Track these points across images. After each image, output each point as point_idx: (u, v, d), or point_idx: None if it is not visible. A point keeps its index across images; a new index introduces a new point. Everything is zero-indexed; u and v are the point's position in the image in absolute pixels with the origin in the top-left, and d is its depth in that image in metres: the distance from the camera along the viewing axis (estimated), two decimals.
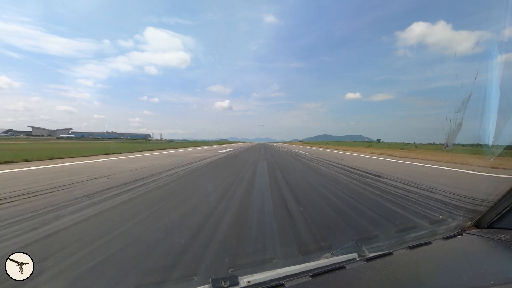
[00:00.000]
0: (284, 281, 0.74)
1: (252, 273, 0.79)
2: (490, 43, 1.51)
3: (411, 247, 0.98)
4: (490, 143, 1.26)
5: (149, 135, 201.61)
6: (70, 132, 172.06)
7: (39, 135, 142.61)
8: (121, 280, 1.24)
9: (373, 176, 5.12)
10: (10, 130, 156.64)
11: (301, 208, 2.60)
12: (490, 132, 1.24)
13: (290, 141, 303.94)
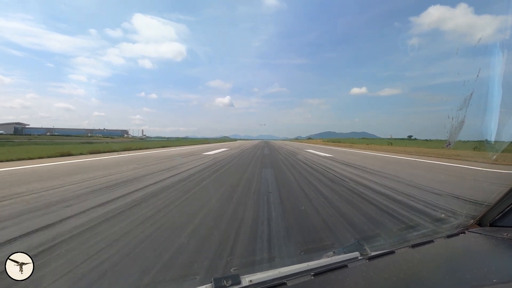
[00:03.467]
0: (286, 280, 0.74)
1: (254, 272, 0.78)
2: (492, 38, 1.48)
3: (413, 246, 0.97)
4: None
5: (126, 132, 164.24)
6: (24, 127, 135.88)
7: None
8: None
9: None
10: None
11: None
12: None
13: (295, 138, 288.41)
